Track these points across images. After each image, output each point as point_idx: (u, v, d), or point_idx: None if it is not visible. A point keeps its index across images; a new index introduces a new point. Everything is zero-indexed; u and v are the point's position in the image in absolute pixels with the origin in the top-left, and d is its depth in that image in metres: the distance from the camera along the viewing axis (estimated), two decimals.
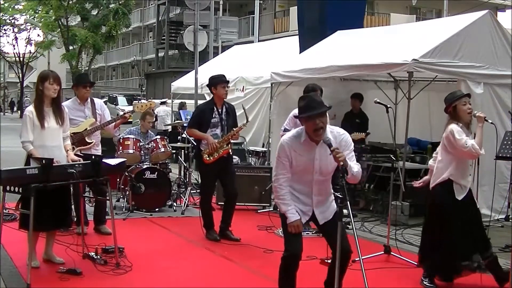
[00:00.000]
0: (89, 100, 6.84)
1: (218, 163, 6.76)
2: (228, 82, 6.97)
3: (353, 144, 4.29)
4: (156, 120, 14.68)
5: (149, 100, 7.64)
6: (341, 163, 3.96)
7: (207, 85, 7.08)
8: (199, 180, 7.54)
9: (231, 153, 6.99)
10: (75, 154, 6.55)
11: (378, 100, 6.55)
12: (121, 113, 6.99)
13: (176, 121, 12.29)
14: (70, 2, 32.30)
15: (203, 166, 6.90)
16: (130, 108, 7.76)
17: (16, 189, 4.97)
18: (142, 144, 8.39)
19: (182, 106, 15.33)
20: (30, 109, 5.41)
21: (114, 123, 6.88)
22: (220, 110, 6.83)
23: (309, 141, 4.14)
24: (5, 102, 54.47)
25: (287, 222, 4.20)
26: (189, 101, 14.80)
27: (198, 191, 8.73)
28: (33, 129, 5.33)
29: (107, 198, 6.01)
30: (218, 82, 6.81)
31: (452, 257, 5.08)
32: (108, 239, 6.28)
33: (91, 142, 6.68)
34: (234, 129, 6.83)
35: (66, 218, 5.54)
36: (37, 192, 4.83)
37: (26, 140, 5.33)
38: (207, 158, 6.71)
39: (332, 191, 4.45)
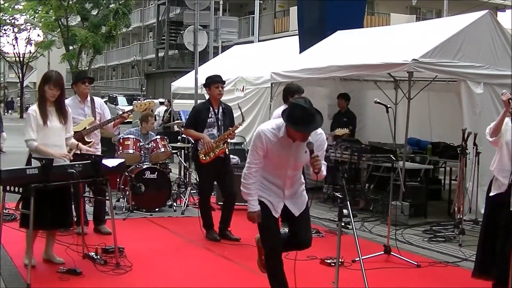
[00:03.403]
0: (89, 98, 6.83)
1: (215, 163, 6.75)
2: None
3: (326, 144, 4.38)
4: (155, 120, 14.67)
5: (149, 99, 7.61)
6: (316, 170, 4.05)
7: (203, 85, 7.09)
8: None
9: (227, 153, 6.99)
10: (75, 154, 6.58)
11: (378, 100, 6.55)
12: (121, 112, 6.97)
13: (176, 121, 12.29)
14: (70, 2, 32.32)
15: (200, 167, 6.90)
16: (130, 108, 7.73)
17: (16, 189, 4.97)
18: (142, 144, 8.39)
19: None
20: (33, 108, 5.45)
21: (113, 122, 6.88)
22: (216, 110, 6.84)
23: (287, 138, 4.14)
24: (4, 102, 54.54)
25: (248, 210, 4.27)
26: (189, 101, 14.78)
27: (197, 191, 8.72)
28: (37, 128, 5.33)
29: (107, 198, 6.00)
30: (211, 82, 6.83)
31: None
32: (108, 239, 6.28)
33: (90, 142, 6.68)
34: (231, 128, 6.83)
35: (67, 218, 5.52)
36: (37, 192, 4.83)
37: (29, 138, 5.32)
38: (203, 158, 6.71)
39: (303, 180, 4.47)
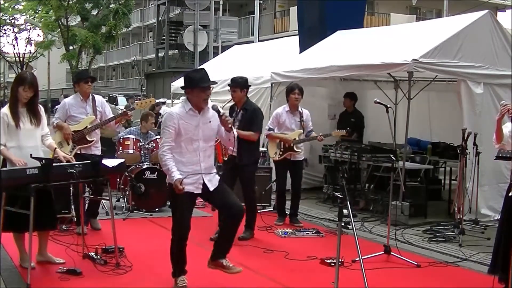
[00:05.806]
0: (90, 97, 6.84)
1: None
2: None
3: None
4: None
5: (149, 96, 7.61)
6: (229, 125, 4.81)
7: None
8: None
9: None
10: (76, 153, 6.59)
11: (378, 100, 6.55)
12: (121, 112, 6.95)
13: None
14: (70, 2, 32.28)
15: None
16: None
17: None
18: (142, 144, 8.39)
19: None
20: (4, 111, 5.30)
21: (114, 120, 6.89)
22: (238, 110, 6.87)
23: (193, 111, 4.79)
24: (4, 102, 54.52)
25: (173, 180, 4.68)
26: None
27: None
28: (7, 131, 5.23)
29: (107, 198, 6.00)
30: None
31: None
32: (108, 239, 6.27)
33: (92, 141, 6.69)
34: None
35: (50, 219, 5.38)
36: (20, 194, 4.81)
37: None
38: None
39: (215, 169, 5.04)
